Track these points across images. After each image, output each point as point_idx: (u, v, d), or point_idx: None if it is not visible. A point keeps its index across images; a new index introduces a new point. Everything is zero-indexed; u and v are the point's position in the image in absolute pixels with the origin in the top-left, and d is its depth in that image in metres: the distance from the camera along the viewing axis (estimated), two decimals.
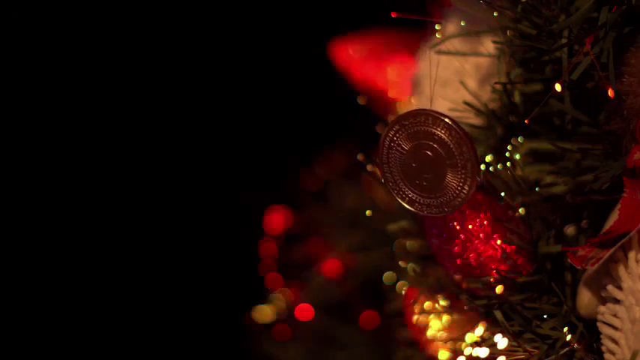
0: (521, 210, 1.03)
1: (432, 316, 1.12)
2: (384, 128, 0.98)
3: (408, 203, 0.98)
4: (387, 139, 0.97)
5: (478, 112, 1.08)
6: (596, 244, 0.95)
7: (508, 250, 1.02)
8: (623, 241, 0.93)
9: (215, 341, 1.89)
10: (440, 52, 1.07)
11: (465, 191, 0.95)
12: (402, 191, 0.98)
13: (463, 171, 0.95)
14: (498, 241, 1.02)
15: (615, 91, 0.94)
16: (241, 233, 1.68)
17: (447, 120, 0.94)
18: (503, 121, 1.07)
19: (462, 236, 1.03)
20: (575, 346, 0.99)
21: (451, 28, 1.14)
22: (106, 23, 1.91)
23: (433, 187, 0.96)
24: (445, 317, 1.11)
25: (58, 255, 1.90)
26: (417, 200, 0.98)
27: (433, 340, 1.14)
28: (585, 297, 1.00)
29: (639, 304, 0.93)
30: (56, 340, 1.89)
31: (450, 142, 0.95)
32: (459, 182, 0.95)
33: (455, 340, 1.08)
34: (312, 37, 1.55)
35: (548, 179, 1.04)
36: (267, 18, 1.89)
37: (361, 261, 1.49)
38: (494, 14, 1.00)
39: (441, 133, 0.95)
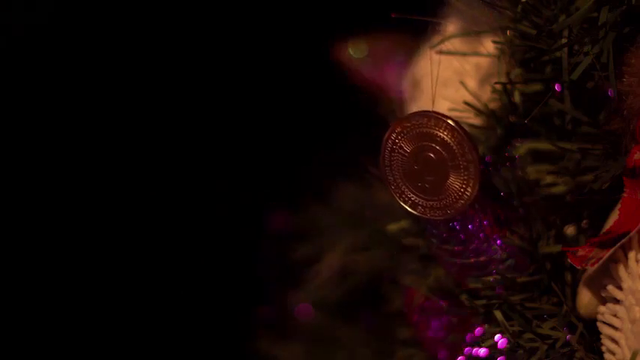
0: (521, 210, 1.03)
1: (431, 316, 1.12)
2: (386, 130, 0.97)
3: (410, 207, 0.98)
4: (390, 141, 0.97)
5: (478, 112, 1.08)
6: (596, 244, 0.95)
7: (508, 250, 1.02)
8: (623, 241, 0.93)
9: (215, 341, 1.89)
10: (440, 52, 1.07)
11: (467, 193, 0.95)
12: (404, 194, 0.98)
13: (466, 173, 0.95)
14: (498, 241, 1.02)
15: (615, 91, 0.94)
16: (241, 233, 1.68)
17: (449, 121, 0.94)
18: (503, 121, 1.07)
19: (462, 236, 1.03)
20: (575, 346, 0.99)
21: (451, 28, 1.14)
22: (106, 23, 1.91)
23: (436, 190, 0.96)
24: (445, 317, 1.11)
25: (59, 256, 1.90)
26: (420, 203, 0.97)
27: (433, 340, 1.14)
28: (585, 297, 1.00)
29: (639, 304, 0.93)
30: (57, 341, 1.89)
31: (452, 143, 0.94)
32: (462, 184, 0.95)
33: (455, 340, 1.08)
34: (312, 37, 1.55)
35: (548, 179, 1.04)
36: (269, 18, 1.89)
37: (361, 261, 1.49)
38: (495, 14, 1.00)
39: (443, 134, 0.95)
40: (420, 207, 0.98)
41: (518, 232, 1.02)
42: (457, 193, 0.96)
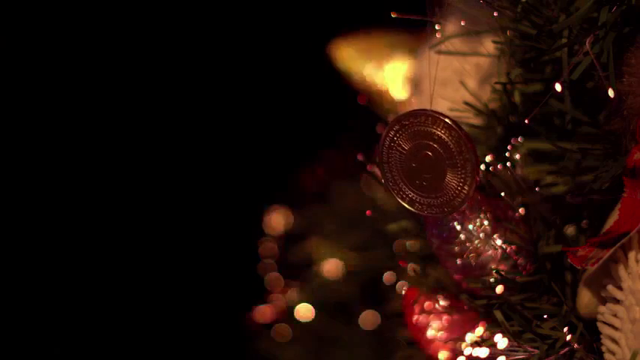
0: (521, 210, 1.03)
1: (432, 316, 1.12)
2: (384, 128, 0.98)
3: (408, 203, 0.98)
4: (387, 139, 0.97)
5: (478, 112, 1.08)
6: (596, 244, 0.95)
7: (508, 250, 1.02)
8: (623, 241, 0.93)
9: (215, 341, 1.89)
10: (440, 52, 1.07)
11: (464, 191, 0.96)
12: (402, 191, 0.98)
13: (463, 171, 0.95)
14: (498, 241, 1.02)
15: (615, 91, 0.94)
16: (241, 233, 1.69)
17: (446, 120, 0.95)
18: (503, 121, 1.07)
19: (462, 236, 1.03)
20: (575, 346, 0.99)
21: (451, 28, 1.14)
22: (106, 23, 1.91)
23: (433, 187, 0.97)
24: (445, 317, 1.11)
25: (59, 256, 1.90)
26: (417, 200, 0.98)
27: (433, 340, 1.14)
28: (585, 297, 1.00)
29: (639, 304, 0.93)
30: (57, 341, 1.89)
31: (449, 142, 0.95)
32: (459, 182, 0.95)
33: (455, 340, 1.08)
34: (312, 37, 1.55)
35: (548, 179, 1.04)
36: (268, 18, 1.89)
37: (361, 261, 1.49)
38: (494, 14, 1.00)
39: (440, 133, 0.95)
40: (417, 204, 0.98)
41: (518, 232, 1.02)
42: (454, 191, 0.96)
